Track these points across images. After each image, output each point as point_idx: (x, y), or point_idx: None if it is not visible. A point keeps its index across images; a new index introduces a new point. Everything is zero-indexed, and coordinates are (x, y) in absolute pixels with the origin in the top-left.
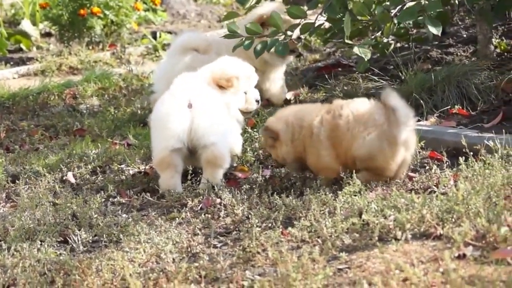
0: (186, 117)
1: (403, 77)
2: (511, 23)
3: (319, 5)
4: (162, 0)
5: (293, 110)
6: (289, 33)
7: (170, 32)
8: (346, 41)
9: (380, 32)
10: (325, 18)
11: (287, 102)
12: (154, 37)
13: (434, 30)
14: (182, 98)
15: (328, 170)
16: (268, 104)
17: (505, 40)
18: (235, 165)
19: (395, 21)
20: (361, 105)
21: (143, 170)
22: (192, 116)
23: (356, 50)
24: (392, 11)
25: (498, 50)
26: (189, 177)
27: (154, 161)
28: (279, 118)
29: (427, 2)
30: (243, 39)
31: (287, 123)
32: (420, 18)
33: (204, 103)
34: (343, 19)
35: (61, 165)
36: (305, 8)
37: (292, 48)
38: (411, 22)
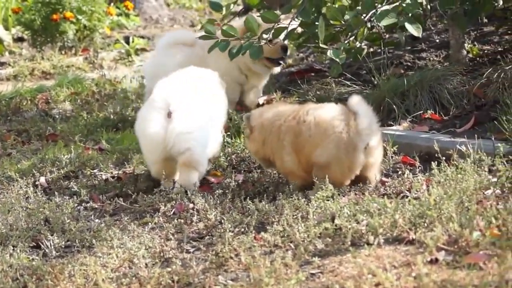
0: (163, 127)
1: (375, 82)
2: (483, 28)
3: (292, 10)
4: (135, 5)
5: (272, 111)
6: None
7: (143, 37)
8: (321, 45)
9: (353, 37)
10: (298, 23)
11: (257, 107)
12: (127, 42)
13: (414, 31)
14: (160, 107)
15: (293, 175)
16: (241, 109)
17: (477, 45)
18: (208, 169)
19: (368, 26)
20: (324, 112)
21: (116, 175)
22: (168, 124)
23: (330, 53)
24: (364, 15)
25: (470, 55)
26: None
27: (151, 173)
28: (260, 115)
29: (404, 5)
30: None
31: (263, 124)
32: (400, 20)
33: (183, 111)
34: (317, 23)
35: (33, 170)
36: (278, 12)
37: (278, 58)
38: (383, 27)
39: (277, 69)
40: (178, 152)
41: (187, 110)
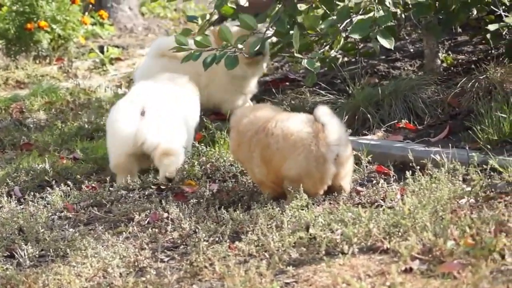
0: (134, 124)
1: (350, 92)
2: (457, 37)
3: (267, 19)
4: (109, 14)
5: (250, 117)
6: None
7: (117, 46)
8: (296, 54)
9: (329, 46)
10: (273, 32)
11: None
12: (102, 51)
13: (387, 44)
14: (134, 105)
15: (263, 185)
16: (217, 119)
17: (451, 55)
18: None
19: (344, 35)
20: (292, 124)
21: (90, 185)
22: (141, 122)
23: (305, 63)
24: (339, 25)
25: (444, 65)
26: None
27: (110, 165)
28: (240, 118)
29: (377, 16)
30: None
31: (239, 129)
32: (372, 33)
33: (156, 111)
34: (292, 32)
35: (7, 179)
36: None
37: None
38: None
39: (261, 69)
40: (151, 147)
41: (159, 110)
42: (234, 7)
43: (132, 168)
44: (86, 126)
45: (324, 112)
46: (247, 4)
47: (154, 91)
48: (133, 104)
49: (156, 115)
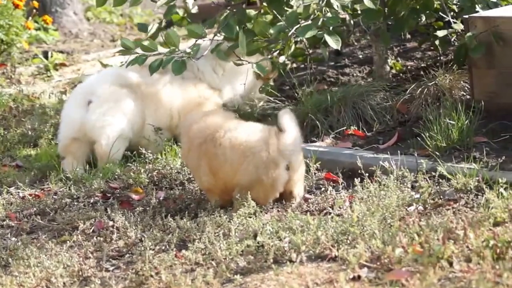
0: (81, 112)
1: (299, 98)
2: (406, 44)
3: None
4: (54, 19)
5: (199, 124)
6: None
7: (62, 52)
8: (243, 59)
9: (278, 52)
10: (222, 38)
11: None
12: (46, 57)
13: (333, 43)
14: (83, 94)
15: (211, 193)
16: None
17: (400, 61)
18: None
19: (293, 41)
20: (240, 133)
21: (33, 193)
22: (86, 112)
23: (254, 68)
24: (289, 30)
25: (393, 71)
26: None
27: (58, 147)
28: (191, 123)
29: (325, 19)
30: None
31: (189, 136)
32: (320, 32)
33: (99, 102)
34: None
35: None
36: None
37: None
38: (306, 42)
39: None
40: (91, 139)
41: (104, 104)
42: (182, 14)
43: (75, 153)
44: (30, 133)
45: (286, 118)
46: (196, 10)
47: (102, 84)
48: (81, 93)
49: (98, 110)
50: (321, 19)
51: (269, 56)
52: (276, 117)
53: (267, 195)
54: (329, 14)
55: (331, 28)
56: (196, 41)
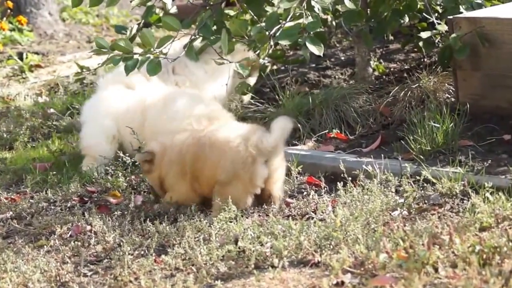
0: None
1: (280, 100)
2: (389, 45)
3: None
4: (28, 20)
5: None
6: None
7: (37, 53)
8: (224, 57)
9: (257, 53)
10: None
11: None
12: (21, 58)
13: (315, 50)
14: None
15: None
16: None
17: (383, 63)
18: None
19: (272, 43)
20: (221, 132)
21: (9, 196)
22: None
23: (236, 67)
24: (268, 32)
25: (376, 73)
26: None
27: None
28: (163, 147)
29: (306, 22)
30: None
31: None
32: (300, 39)
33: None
34: (219, 37)
35: None
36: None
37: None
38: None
39: None
40: None
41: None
42: (161, 14)
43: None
44: (5, 135)
45: (279, 122)
46: (175, 11)
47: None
48: None
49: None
50: (302, 23)
51: (251, 56)
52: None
53: (246, 191)
54: (310, 18)
55: (312, 33)
56: (173, 40)
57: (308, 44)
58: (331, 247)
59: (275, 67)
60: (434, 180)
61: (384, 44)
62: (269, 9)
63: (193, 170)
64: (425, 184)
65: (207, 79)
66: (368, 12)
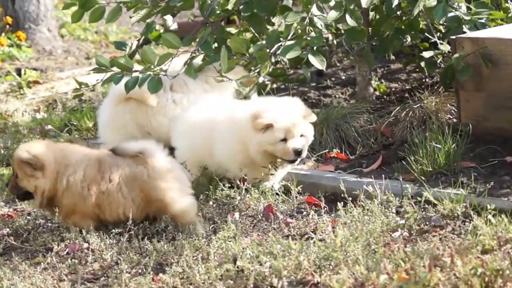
0: None
1: None
2: (390, 65)
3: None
4: (27, 35)
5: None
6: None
7: (35, 69)
8: (224, 74)
9: (257, 71)
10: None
11: None
12: (19, 74)
13: (318, 64)
14: None
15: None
16: None
17: (384, 83)
18: None
19: (273, 60)
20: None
21: (6, 213)
22: None
23: (236, 85)
24: (269, 49)
25: (377, 93)
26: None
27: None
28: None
29: (308, 38)
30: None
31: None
32: (304, 52)
33: None
34: (219, 54)
35: None
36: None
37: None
38: (287, 62)
39: None
40: None
41: None
42: (161, 31)
43: None
44: (2, 151)
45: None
46: (176, 28)
47: None
48: None
49: None
50: (304, 38)
51: (251, 74)
52: None
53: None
54: (312, 34)
55: (314, 48)
56: (173, 57)
57: (310, 58)
58: (331, 267)
59: (275, 85)
60: (435, 202)
61: (385, 64)
62: (270, 27)
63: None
64: (426, 205)
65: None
66: (370, 31)
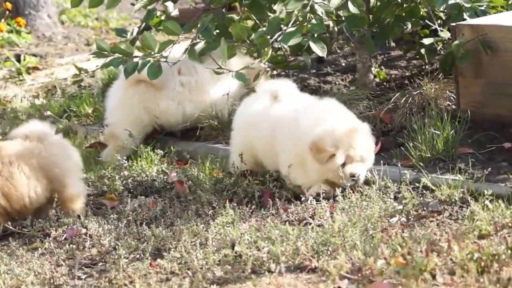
0: None
1: None
2: (390, 52)
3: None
4: (27, 21)
5: None
6: None
7: (35, 55)
8: (223, 67)
9: (258, 59)
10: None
11: None
12: (18, 60)
13: (319, 51)
14: None
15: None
16: None
17: (384, 70)
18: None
19: (272, 47)
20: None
21: None
22: None
23: (234, 76)
24: (270, 36)
25: (377, 80)
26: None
27: None
28: None
29: (309, 26)
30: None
31: None
32: (305, 40)
33: None
34: (219, 41)
35: None
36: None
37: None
38: (288, 49)
39: None
40: None
41: None
42: (162, 17)
43: None
44: (1, 137)
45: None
46: (177, 14)
47: None
48: None
49: None
50: (305, 25)
51: (252, 64)
52: None
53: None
54: (313, 21)
55: (315, 35)
56: (173, 44)
57: (311, 45)
58: (329, 252)
59: (275, 72)
60: (433, 187)
61: (385, 51)
62: (271, 14)
63: None
64: (424, 191)
65: (213, 81)
66: (371, 18)
